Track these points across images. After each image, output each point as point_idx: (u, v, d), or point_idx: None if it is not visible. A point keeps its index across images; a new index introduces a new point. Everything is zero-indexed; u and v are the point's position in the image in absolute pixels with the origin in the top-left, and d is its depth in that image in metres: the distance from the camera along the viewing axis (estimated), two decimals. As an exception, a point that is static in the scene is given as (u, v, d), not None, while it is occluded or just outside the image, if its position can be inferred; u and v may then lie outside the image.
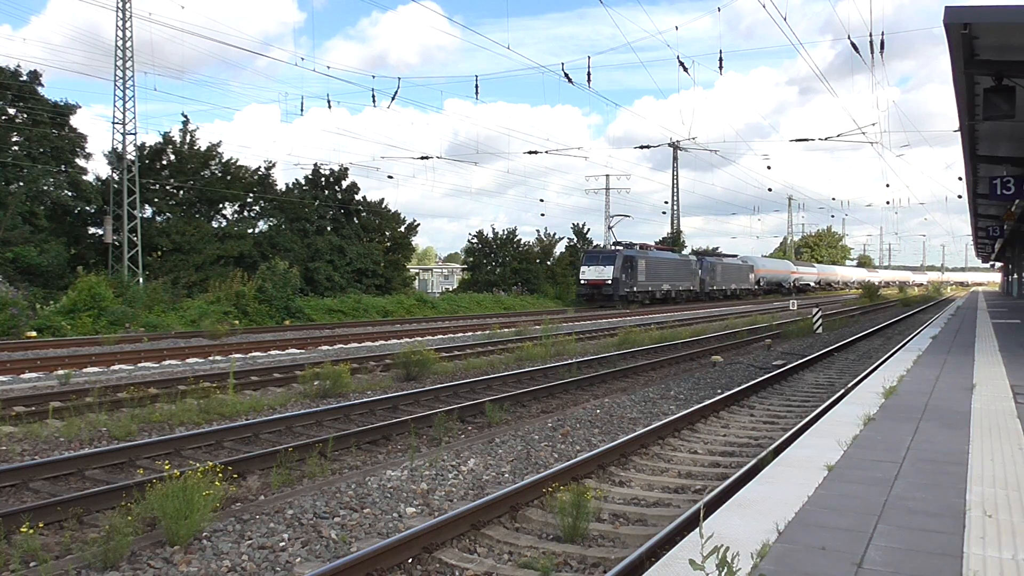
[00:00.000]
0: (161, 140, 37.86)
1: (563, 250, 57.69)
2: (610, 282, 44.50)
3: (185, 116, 44.71)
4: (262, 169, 41.17)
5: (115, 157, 33.47)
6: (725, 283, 61.01)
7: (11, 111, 31.61)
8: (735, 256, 68.86)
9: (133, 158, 33.21)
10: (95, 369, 15.17)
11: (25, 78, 31.70)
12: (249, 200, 40.61)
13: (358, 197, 44.75)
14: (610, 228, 58.13)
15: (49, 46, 71.92)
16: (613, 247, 49.26)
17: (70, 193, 33.24)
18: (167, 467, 6.78)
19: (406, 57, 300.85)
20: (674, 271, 54.93)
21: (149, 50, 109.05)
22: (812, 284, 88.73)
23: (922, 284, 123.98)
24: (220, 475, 6.38)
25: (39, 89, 32.33)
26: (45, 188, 32.04)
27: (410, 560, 5.35)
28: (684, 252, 63.49)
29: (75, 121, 33.99)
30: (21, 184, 30.15)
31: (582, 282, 45.67)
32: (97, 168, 57.62)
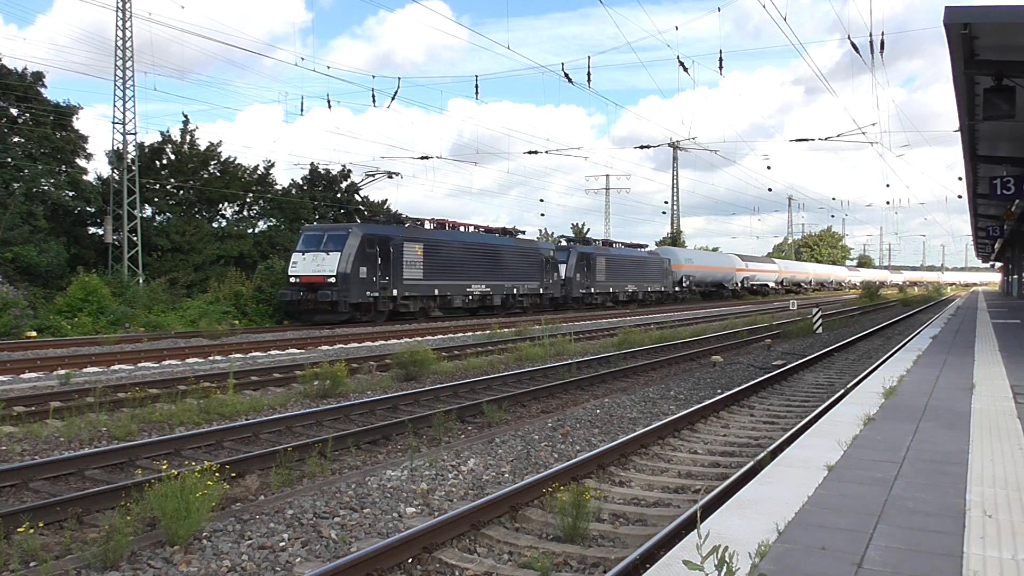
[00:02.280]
0: (161, 140, 37.91)
1: None
2: (334, 280, 26.15)
3: (185, 116, 44.76)
4: (261, 169, 41.19)
5: (115, 157, 33.49)
6: (616, 283, 45.16)
7: (14, 112, 31.65)
8: (642, 247, 52.60)
9: (133, 158, 33.22)
10: (95, 369, 15.17)
11: (29, 79, 31.75)
12: (248, 200, 40.63)
13: (358, 197, 44.74)
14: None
15: (54, 46, 71.99)
16: (346, 226, 29.50)
17: (70, 193, 33.26)
18: (167, 467, 6.78)
19: (412, 56, 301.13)
20: (640, 271, 47.61)
21: (150, 50, 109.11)
22: (771, 285, 73.12)
23: (898, 284, 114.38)
24: (220, 475, 6.38)
25: (41, 90, 32.38)
26: (45, 188, 32.05)
27: (410, 560, 5.35)
28: (548, 240, 52.13)
29: (78, 122, 34.03)
30: (21, 184, 30.15)
31: (291, 280, 27.10)
32: (98, 168, 57.77)
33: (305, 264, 26.92)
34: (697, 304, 52.19)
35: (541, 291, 38.06)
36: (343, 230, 27.68)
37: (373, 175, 35.98)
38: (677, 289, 53.92)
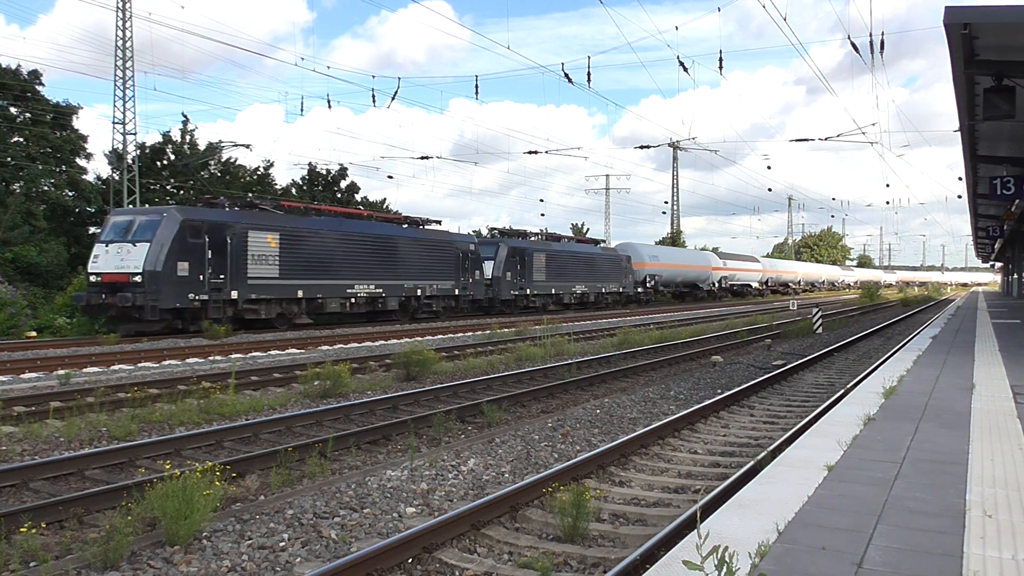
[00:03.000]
0: (162, 140, 37.93)
1: None
2: (140, 279, 20.76)
3: (185, 116, 44.76)
4: (261, 169, 41.20)
5: (115, 157, 33.50)
6: (560, 283, 39.70)
7: (13, 111, 31.68)
8: (598, 243, 47.90)
9: (134, 158, 33.23)
10: (95, 369, 15.17)
11: (26, 77, 31.77)
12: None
13: (358, 197, 44.76)
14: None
15: (55, 46, 72.12)
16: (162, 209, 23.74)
17: (70, 193, 33.32)
18: (167, 467, 6.78)
19: (414, 56, 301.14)
20: (591, 269, 42.12)
21: (151, 50, 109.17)
22: (754, 285, 67.52)
23: (891, 284, 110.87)
24: (220, 475, 6.38)
25: (40, 89, 32.41)
26: (45, 188, 32.09)
27: (410, 560, 5.35)
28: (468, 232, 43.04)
29: (79, 121, 34.13)
30: (21, 184, 30.20)
31: (92, 279, 21.68)
32: (99, 168, 57.85)
33: (107, 258, 21.36)
34: (662, 307, 46.67)
35: (457, 292, 32.01)
36: (156, 214, 21.98)
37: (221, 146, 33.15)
38: (640, 290, 48.23)
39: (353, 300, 27.21)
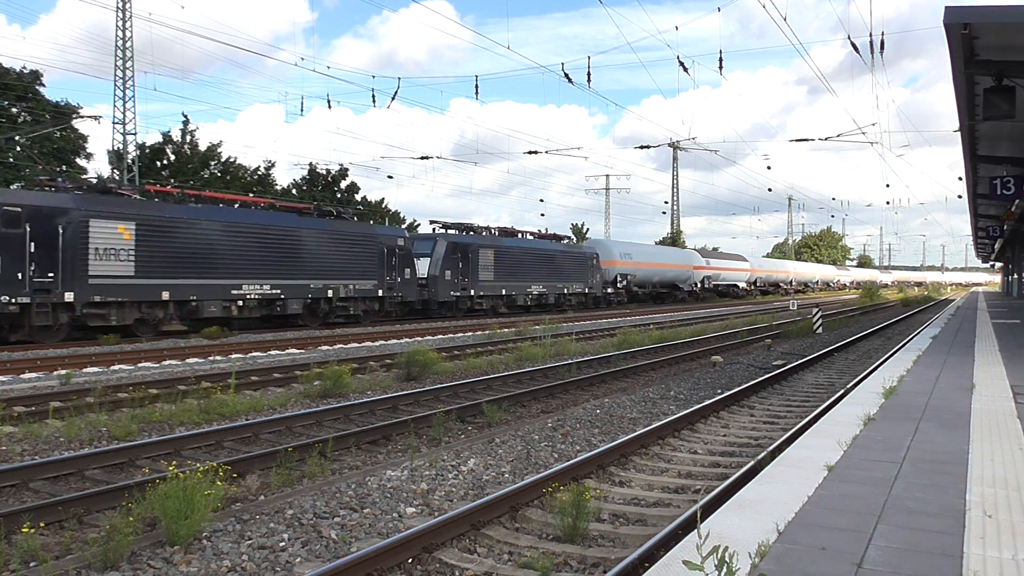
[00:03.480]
0: (161, 140, 37.99)
1: None
2: None
3: (185, 116, 44.79)
4: (261, 169, 41.23)
5: (115, 157, 33.54)
6: (512, 283, 35.37)
7: (13, 111, 31.73)
8: (563, 239, 43.37)
9: (134, 158, 33.26)
10: (95, 369, 15.17)
11: (26, 77, 31.82)
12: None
13: (358, 197, 44.78)
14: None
15: (57, 46, 72.26)
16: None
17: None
18: (169, 467, 6.78)
19: (415, 56, 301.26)
20: (551, 268, 37.88)
21: (151, 50, 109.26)
22: (742, 285, 63.92)
23: (886, 284, 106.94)
24: (220, 475, 6.38)
25: (41, 90, 32.46)
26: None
27: (410, 560, 5.35)
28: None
29: (79, 121, 34.11)
30: (21, 184, 30.21)
31: None
32: (99, 168, 57.95)
33: None
34: (635, 310, 42.39)
35: (381, 293, 28.34)
36: None
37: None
38: (610, 291, 44.23)
39: (241, 303, 23.38)
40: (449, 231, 33.36)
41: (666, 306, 48.39)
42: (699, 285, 55.61)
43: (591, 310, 40.64)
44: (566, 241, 43.52)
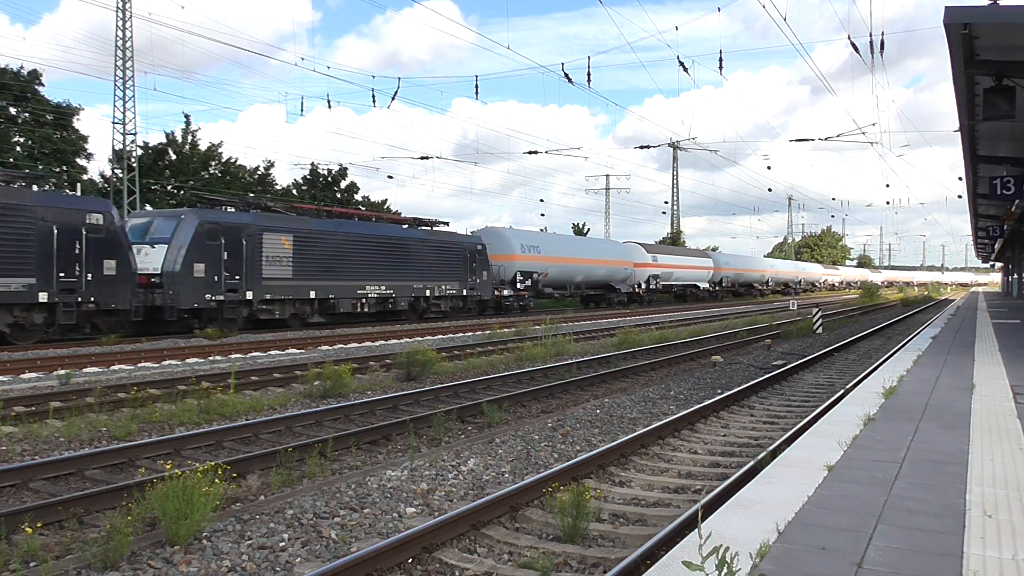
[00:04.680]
0: (164, 140, 37.99)
1: None
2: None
3: (186, 116, 44.82)
4: (262, 169, 41.23)
5: (116, 157, 33.54)
6: (336, 280, 26.10)
7: (12, 111, 31.74)
8: (432, 225, 32.74)
9: (134, 158, 33.27)
10: (95, 369, 15.17)
11: (25, 77, 31.81)
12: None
13: (358, 197, 44.77)
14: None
15: (59, 46, 72.35)
16: None
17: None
18: (170, 467, 6.78)
19: (418, 55, 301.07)
20: (405, 259, 29.05)
21: (151, 51, 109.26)
22: (703, 286, 56.08)
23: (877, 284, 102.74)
24: (220, 475, 6.38)
25: (40, 90, 32.46)
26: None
27: (410, 560, 5.35)
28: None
29: (80, 122, 34.17)
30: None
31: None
32: (100, 168, 57.89)
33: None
34: (538, 316, 31.91)
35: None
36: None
37: None
38: (508, 293, 35.65)
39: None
40: (206, 208, 24.29)
41: (590, 311, 40.71)
42: (642, 286, 46.78)
43: (475, 318, 32.84)
44: (441, 228, 33.24)
